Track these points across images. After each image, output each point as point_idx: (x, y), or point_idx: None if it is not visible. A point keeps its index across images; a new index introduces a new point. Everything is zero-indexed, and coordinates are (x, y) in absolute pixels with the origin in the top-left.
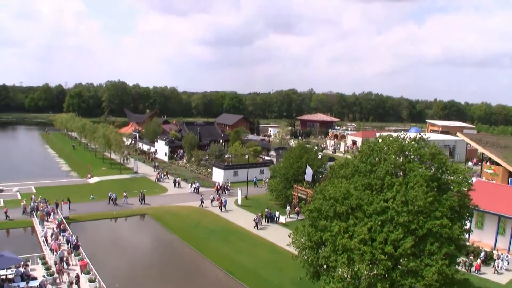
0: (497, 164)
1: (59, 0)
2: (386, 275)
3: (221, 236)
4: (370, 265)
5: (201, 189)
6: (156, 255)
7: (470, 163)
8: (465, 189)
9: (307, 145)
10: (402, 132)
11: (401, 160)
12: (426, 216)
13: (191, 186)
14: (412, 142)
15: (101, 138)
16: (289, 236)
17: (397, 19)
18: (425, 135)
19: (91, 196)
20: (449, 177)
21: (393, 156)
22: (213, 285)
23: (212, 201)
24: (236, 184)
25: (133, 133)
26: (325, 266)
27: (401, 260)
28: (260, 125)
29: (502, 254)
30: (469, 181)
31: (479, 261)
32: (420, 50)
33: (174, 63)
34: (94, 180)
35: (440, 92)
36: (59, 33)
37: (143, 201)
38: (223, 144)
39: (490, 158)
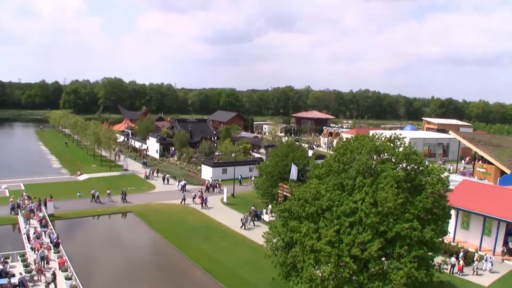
0: (490, 163)
1: None
2: (353, 278)
3: (203, 234)
4: (337, 267)
5: (189, 187)
6: (137, 253)
7: (463, 162)
8: (441, 190)
9: (296, 143)
10: (398, 129)
11: (373, 160)
12: (396, 218)
13: (178, 184)
14: (388, 142)
15: (91, 135)
16: (263, 236)
17: (398, 17)
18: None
19: (78, 193)
20: (424, 178)
21: (366, 156)
22: (190, 283)
23: (194, 198)
24: (225, 182)
25: (125, 130)
26: (294, 267)
27: (369, 263)
28: (256, 122)
29: (486, 255)
30: (445, 182)
31: (461, 262)
32: (420, 48)
33: (174, 61)
34: (83, 177)
35: (439, 91)
36: (58, 31)
37: (124, 199)
38: (215, 141)
39: (482, 157)
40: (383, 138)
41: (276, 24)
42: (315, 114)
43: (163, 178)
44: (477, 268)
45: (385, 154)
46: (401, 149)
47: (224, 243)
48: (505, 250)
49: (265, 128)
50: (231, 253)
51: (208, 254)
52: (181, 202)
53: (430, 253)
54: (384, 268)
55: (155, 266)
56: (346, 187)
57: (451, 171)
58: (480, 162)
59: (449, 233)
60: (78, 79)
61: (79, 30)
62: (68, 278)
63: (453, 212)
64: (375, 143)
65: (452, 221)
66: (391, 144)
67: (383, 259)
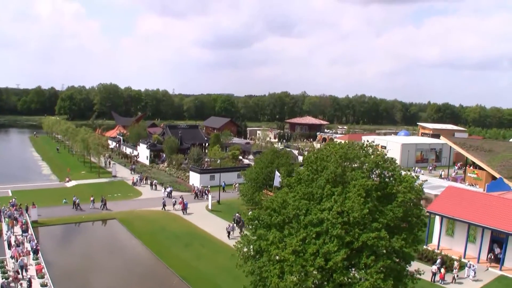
0: (481, 168)
1: (57, 1)
2: None
3: (184, 242)
4: (301, 278)
5: (176, 193)
6: (115, 260)
7: (455, 167)
8: (414, 198)
9: (287, 149)
10: (392, 135)
11: (342, 168)
12: (363, 228)
13: (164, 190)
14: (360, 150)
15: (79, 142)
16: (234, 246)
17: (396, 21)
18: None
19: (64, 200)
20: (396, 186)
21: (335, 164)
22: None
23: (174, 204)
24: (213, 188)
25: (117, 136)
26: (262, 277)
27: (334, 274)
28: (250, 128)
29: (469, 262)
30: (418, 190)
31: (443, 270)
32: (419, 52)
33: (173, 65)
34: (71, 183)
35: (437, 95)
36: (56, 35)
37: (104, 207)
38: (206, 147)
39: (474, 162)
40: (356, 146)
41: (275, 28)
42: (309, 119)
43: (151, 184)
44: (457, 276)
45: (356, 162)
46: (372, 157)
47: (204, 251)
48: (492, 257)
49: (258, 134)
50: (210, 261)
51: (187, 262)
52: (162, 208)
53: (402, 263)
54: (350, 279)
55: (132, 273)
56: (315, 196)
57: (442, 176)
58: (471, 167)
59: (425, 243)
60: (74, 85)
61: (78, 34)
62: (43, 285)
63: (437, 219)
64: (345, 151)
65: (436, 228)
66: (363, 152)
67: (353, 269)
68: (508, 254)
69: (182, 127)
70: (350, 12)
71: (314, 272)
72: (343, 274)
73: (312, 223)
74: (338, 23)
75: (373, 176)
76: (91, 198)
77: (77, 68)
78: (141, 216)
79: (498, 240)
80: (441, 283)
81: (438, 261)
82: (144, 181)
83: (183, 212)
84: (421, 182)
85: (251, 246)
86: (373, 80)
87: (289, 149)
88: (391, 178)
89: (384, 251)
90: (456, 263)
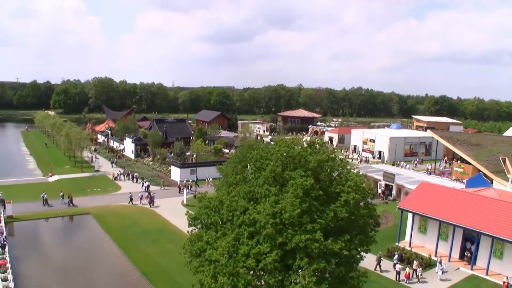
0: (468, 162)
1: None
2: None
3: (152, 237)
4: (231, 279)
5: (154, 188)
6: (81, 256)
7: (442, 161)
8: (358, 198)
9: (271, 143)
10: (385, 128)
11: (283, 167)
12: (297, 229)
13: (142, 185)
14: (309, 148)
15: (64, 136)
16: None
17: (398, 15)
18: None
19: (42, 194)
20: (341, 186)
21: (275, 163)
22: (123, 287)
23: (141, 199)
24: (192, 183)
25: (105, 130)
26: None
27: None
28: (243, 121)
29: (439, 258)
30: (364, 190)
31: (407, 269)
32: (419, 46)
33: (173, 60)
34: (54, 178)
35: (437, 89)
36: (57, 31)
37: (70, 203)
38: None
39: (461, 156)
40: (304, 143)
41: (276, 22)
42: (301, 112)
43: (132, 177)
44: (420, 275)
45: (297, 161)
46: (317, 156)
47: (170, 246)
48: (469, 255)
49: (251, 127)
50: (174, 256)
51: (151, 257)
52: (129, 202)
53: (345, 266)
54: (283, 281)
55: (94, 269)
56: (256, 195)
57: (429, 170)
58: (458, 161)
59: (396, 240)
60: (70, 79)
61: (78, 30)
62: (4, 280)
63: (410, 216)
64: (288, 149)
65: (408, 225)
66: (309, 149)
67: (291, 271)
68: (481, 253)
69: (169, 121)
70: (351, 6)
71: (244, 273)
72: (274, 276)
73: (246, 223)
74: (339, 17)
75: (321, 175)
76: (61, 194)
77: (76, 64)
78: (115, 211)
79: (471, 238)
80: (406, 282)
81: (396, 256)
82: (126, 177)
83: (150, 205)
84: (370, 183)
85: (193, 246)
86: (373, 74)
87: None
88: (338, 177)
89: (319, 253)
90: (415, 262)
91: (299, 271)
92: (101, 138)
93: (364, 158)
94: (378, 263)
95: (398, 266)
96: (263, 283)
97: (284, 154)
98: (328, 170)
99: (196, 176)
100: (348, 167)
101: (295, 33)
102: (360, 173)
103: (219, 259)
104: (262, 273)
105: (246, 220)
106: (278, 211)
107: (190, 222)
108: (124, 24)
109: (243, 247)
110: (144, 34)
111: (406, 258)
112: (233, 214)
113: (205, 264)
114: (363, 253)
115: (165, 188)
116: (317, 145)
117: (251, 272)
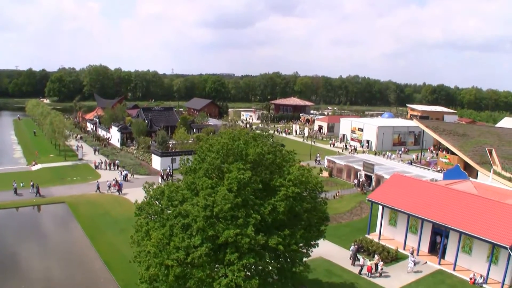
0: (454, 153)
1: None
2: (180, 283)
3: (122, 226)
4: (160, 270)
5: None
6: (48, 245)
7: (428, 151)
8: (296, 192)
9: (257, 131)
10: (379, 117)
11: (221, 160)
12: (229, 224)
13: (121, 174)
14: (253, 141)
15: (48, 124)
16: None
17: (399, 1)
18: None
19: (21, 183)
20: (281, 180)
21: (213, 155)
22: (83, 275)
23: (109, 187)
24: (176, 171)
25: (94, 119)
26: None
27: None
28: (234, 109)
29: (412, 248)
30: (304, 184)
31: (369, 262)
32: (421, 33)
33: (173, 47)
34: (37, 167)
35: (436, 77)
36: (57, 18)
37: (38, 194)
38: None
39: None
40: (251, 134)
41: (277, 7)
42: (293, 101)
43: (113, 165)
44: (381, 269)
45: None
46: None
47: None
48: (438, 249)
49: (243, 115)
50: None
51: (116, 247)
52: (96, 190)
53: (282, 261)
54: (213, 274)
55: (59, 258)
56: (197, 187)
57: (414, 160)
58: (444, 152)
59: (367, 232)
60: (66, 67)
61: (78, 15)
62: None
63: (380, 208)
64: (226, 141)
65: (378, 218)
66: (253, 142)
67: (220, 266)
68: (449, 248)
69: (156, 109)
70: None
71: (173, 266)
72: (203, 270)
73: (182, 214)
74: (341, 3)
75: (260, 168)
76: (31, 183)
77: (75, 51)
78: (90, 200)
79: (440, 232)
80: (368, 276)
81: (352, 248)
82: (107, 165)
83: (119, 193)
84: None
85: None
86: (374, 61)
87: (258, 131)
88: (279, 171)
89: (249, 248)
90: (376, 256)
91: (229, 266)
92: (89, 127)
93: (352, 147)
94: (355, 256)
95: (361, 260)
96: (190, 276)
97: (225, 146)
98: (269, 163)
99: (172, 165)
100: (295, 159)
101: (296, 19)
102: (311, 166)
103: (151, 250)
104: (190, 266)
105: (182, 211)
106: (210, 204)
107: (136, 212)
108: (124, 9)
109: (176, 238)
110: (144, 19)
111: (373, 251)
112: (172, 205)
113: (142, 255)
114: (312, 248)
115: (135, 177)
116: (263, 138)
117: (179, 265)
